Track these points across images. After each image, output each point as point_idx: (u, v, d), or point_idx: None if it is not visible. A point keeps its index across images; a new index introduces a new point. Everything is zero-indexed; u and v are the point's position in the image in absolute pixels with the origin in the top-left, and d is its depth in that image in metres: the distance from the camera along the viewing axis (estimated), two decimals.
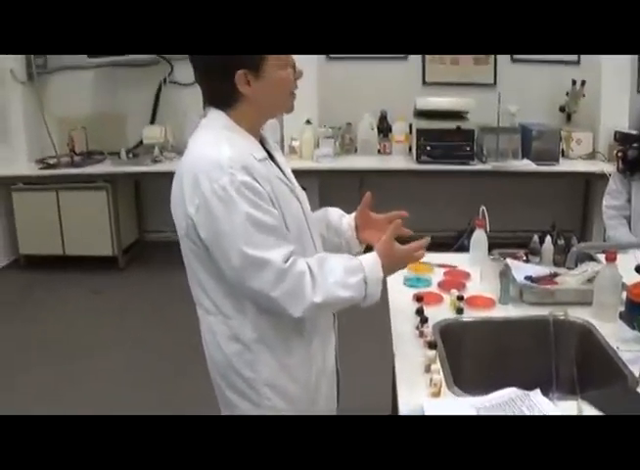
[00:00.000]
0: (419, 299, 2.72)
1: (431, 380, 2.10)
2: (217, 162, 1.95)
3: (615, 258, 2.61)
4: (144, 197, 7.58)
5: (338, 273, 2.03)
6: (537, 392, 2.07)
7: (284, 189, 2.13)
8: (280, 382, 2.15)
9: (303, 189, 2.30)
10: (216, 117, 2.10)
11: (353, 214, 2.50)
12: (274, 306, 2.00)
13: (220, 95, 2.08)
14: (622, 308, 2.54)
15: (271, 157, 2.19)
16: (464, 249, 3.32)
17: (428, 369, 2.18)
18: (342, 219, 2.49)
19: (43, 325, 5.71)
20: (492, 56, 7.09)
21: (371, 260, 2.11)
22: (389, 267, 2.17)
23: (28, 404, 4.18)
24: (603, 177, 5.59)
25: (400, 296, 2.83)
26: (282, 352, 2.14)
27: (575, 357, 2.47)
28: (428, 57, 7.17)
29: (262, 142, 2.21)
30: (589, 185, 7.05)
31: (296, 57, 2.12)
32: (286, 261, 1.96)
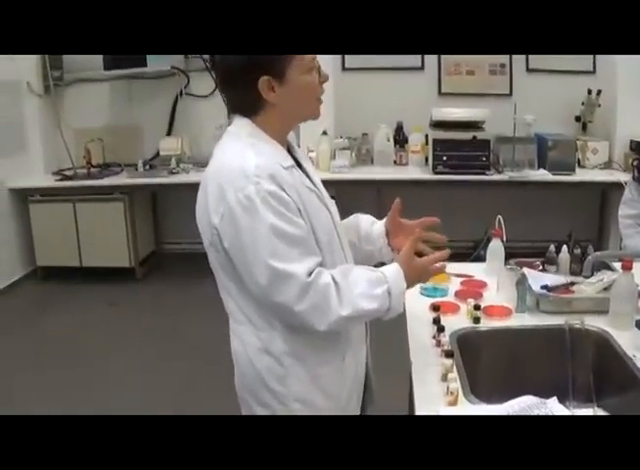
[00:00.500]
0: (436, 308, 2.71)
1: (447, 388, 2.09)
2: (243, 170, 1.91)
3: (631, 267, 2.60)
4: (161, 208, 7.58)
5: (362, 285, 2.00)
6: (554, 399, 2.07)
7: (312, 198, 2.08)
8: (310, 396, 2.10)
9: (332, 198, 2.25)
10: (242, 124, 2.06)
11: (384, 221, 2.46)
12: (299, 321, 1.96)
13: (244, 103, 2.04)
14: (639, 317, 2.52)
15: (299, 164, 2.13)
16: (481, 259, 3.31)
17: (444, 378, 2.18)
18: (373, 226, 2.44)
19: (60, 337, 5.72)
20: (508, 66, 7.08)
21: (394, 272, 2.07)
22: (411, 279, 2.12)
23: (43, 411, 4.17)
24: (619, 187, 5.57)
25: (417, 305, 2.82)
26: (314, 365, 2.10)
27: (592, 366, 2.45)
28: (443, 68, 7.18)
29: (290, 149, 2.16)
30: (605, 195, 7.03)
31: None
32: (310, 274, 1.92)
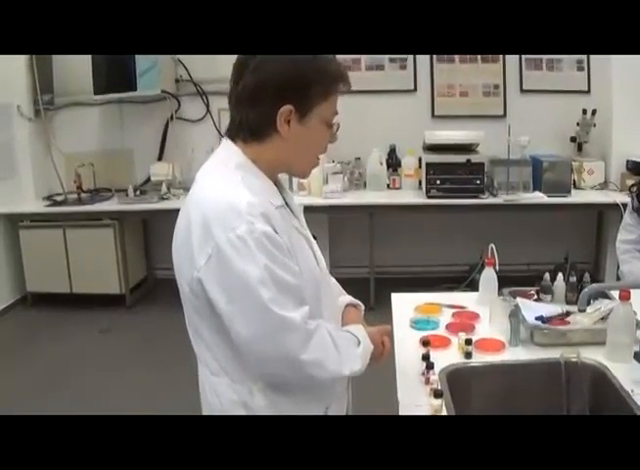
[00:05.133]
0: (425, 343, 2.63)
1: None
2: (233, 206, 1.74)
3: (629, 297, 2.54)
4: (152, 234, 7.57)
5: (350, 344, 1.94)
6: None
7: (301, 240, 1.95)
8: None
9: (314, 238, 2.10)
10: (231, 151, 1.90)
11: (348, 299, 2.31)
12: (299, 372, 1.81)
13: (252, 124, 1.87)
14: (637, 348, 2.49)
15: (286, 203, 1.99)
16: (475, 283, 3.24)
17: None
18: (339, 298, 2.29)
19: (50, 363, 5.66)
20: (501, 87, 7.05)
21: (360, 332, 2.02)
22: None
23: None
24: (616, 207, 5.55)
25: (407, 339, 2.75)
26: None
27: (588, 401, 2.41)
28: (436, 89, 7.15)
29: (277, 187, 1.99)
30: (602, 215, 7.01)
31: None
32: (307, 323, 1.80)
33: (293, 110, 1.83)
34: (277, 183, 2.01)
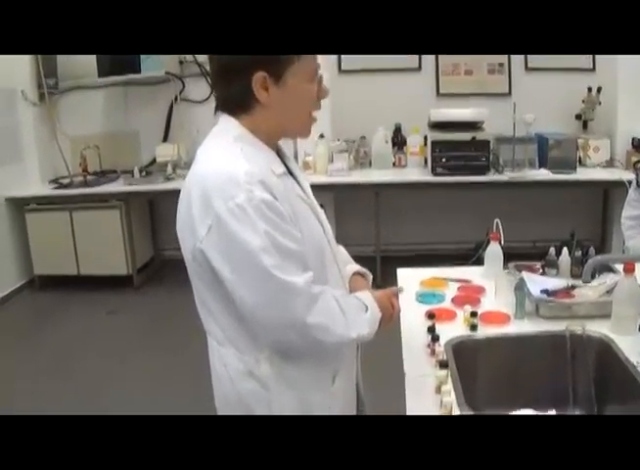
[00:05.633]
0: (431, 316, 2.64)
1: (441, 401, 2.02)
2: (231, 176, 1.74)
3: (633, 270, 2.53)
4: (158, 215, 7.60)
5: (358, 309, 1.96)
6: (552, 413, 1.99)
7: (304, 208, 1.94)
8: None
9: (321, 207, 2.10)
10: (229, 125, 1.90)
11: (356, 267, 2.32)
12: (306, 337, 1.81)
13: (234, 98, 1.87)
14: None
15: (290, 172, 1.99)
16: (482, 261, 3.22)
17: (438, 390, 2.10)
18: (346, 266, 2.27)
19: (58, 345, 5.70)
20: (506, 65, 7.02)
21: (368, 298, 2.03)
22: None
23: None
24: (621, 185, 5.53)
25: (413, 313, 2.74)
26: (302, 389, 1.95)
27: (593, 373, 2.40)
28: (441, 68, 7.14)
29: (280, 155, 2.00)
30: (608, 193, 6.99)
31: None
32: (312, 287, 1.80)
33: (266, 75, 1.82)
34: (279, 152, 2.02)
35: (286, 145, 2.09)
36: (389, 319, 2.14)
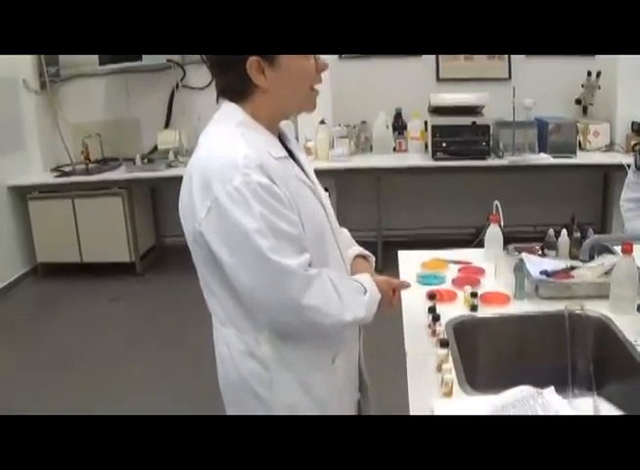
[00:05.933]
0: (432, 296, 2.67)
1: (442, 379, 2.05)
2: (230, 160, 1.77)
3: (631, 250, 2.55)
4: (160, 202, 7.61)
5: (355, 291, 1.97)
6: (551, 390, 2.01)
7: (304, 191, 1.95)
8: (299, 402, 1.99)
9: (325, 190, 2.11)
10: (230, 111, 1.92)
11: (358, 249, 2.34)
12: (302, 318, 1.84)
13: (232, 86, 1.90)
14: None
15: (292, 155, 2.01)
16: (483, 245, 3.25)
17: (439, 368, 2.14)
18: (349, 249, 2.29)
19: (62, 332, 5.72)
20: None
21: (367, 281, 2.05)
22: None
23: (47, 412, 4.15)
24: (621, 169, 5.54)
25: (413, 293, 2.74)
26: (302, 370, 1.98)
27: (592, 353, 2.43)
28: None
29: (282, 139, 2.03)
30: (608, 177, 6.99)
31: None
32: (307, 269, 1.82)
33: (259, 59, 1.84)
34: (281, 135, 2.04)
35: (289, 131, 2.12)
36: (388, 304, 2.17)
